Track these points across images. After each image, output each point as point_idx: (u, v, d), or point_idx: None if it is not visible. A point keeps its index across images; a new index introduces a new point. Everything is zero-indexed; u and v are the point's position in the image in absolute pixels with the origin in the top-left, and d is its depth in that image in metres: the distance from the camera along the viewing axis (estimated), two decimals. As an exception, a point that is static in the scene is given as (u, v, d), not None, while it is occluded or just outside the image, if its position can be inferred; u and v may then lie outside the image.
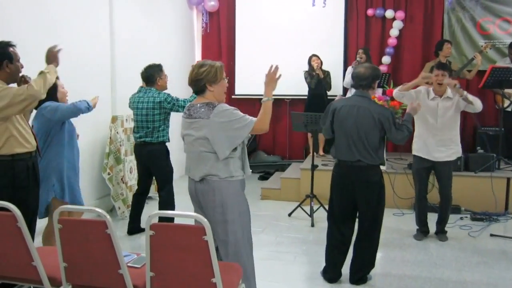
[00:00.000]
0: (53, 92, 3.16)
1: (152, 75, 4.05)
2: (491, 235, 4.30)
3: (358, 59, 6.06)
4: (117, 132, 4.79)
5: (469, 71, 6.08)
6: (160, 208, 4.09)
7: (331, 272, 3.29)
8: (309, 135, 6.19)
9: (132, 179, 5.00)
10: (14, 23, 3.71)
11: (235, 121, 2.47)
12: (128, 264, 2.30)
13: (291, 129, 6.08)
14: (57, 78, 3.20)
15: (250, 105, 6.59)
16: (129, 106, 4.20)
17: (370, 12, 7.05)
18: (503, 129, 5.36)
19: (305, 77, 6.35)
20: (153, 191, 5.36)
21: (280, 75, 2.58)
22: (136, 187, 4.45)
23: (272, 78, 2.57)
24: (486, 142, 6.07)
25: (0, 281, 2.43)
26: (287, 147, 7.50)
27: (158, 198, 4.26)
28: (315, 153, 5.06)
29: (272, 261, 3.70)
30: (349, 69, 6.27)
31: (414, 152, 4.15)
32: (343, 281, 3.28)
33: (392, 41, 6.99)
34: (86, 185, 4.37)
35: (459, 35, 6.80)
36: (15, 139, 2.76)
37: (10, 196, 2.63)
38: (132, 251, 2.97)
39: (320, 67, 6.33)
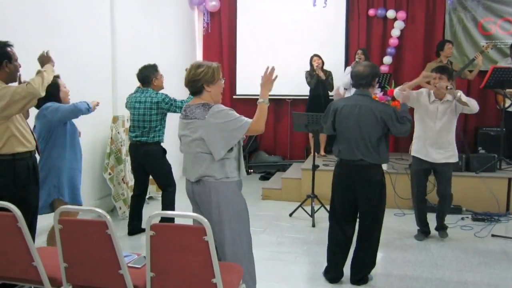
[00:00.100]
0: (55, 92, 3.17)
1: (147, 76, 4.05)
2: (493, 235, 4.29)
3: (357, 59, 6.06)
4: (118, 132, 4.79)
5: (470, 71, 6.07)
6: (162, 208, 4.10)
7: (332, 272, 3.29)
8: (310, 135, 6.19)
9: (133, 179, 5.00)
10: (16, 23, 3.71)
11: (230, 122, 2.47)
12: (129, 265, 2.30)
13: (292, 129, 6.07)
14: (58, 77, 3.20)
15: (251, 105, 6.53)
16: (126, 106, 4.21)
17: (371, 12, 7.04)
18: (504, 129, 5.35)
19: (306, 77, 6.35)
20: (154, 191, 5.37)
21: (276, 76, 2.58)
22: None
23: (268, 79, 2.58)
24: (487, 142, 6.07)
25: (0, 281, 2.43)
26: (288, 147, 7.49)
27: (159, 198, 4.26)
28: (316, 153, 5.05)
29: (273, 262, 3.70)
30: (348, 70, 6.26)
31: (413, 153, 4.15)
32: (344, 281, 3.28)
33: (393, 41, 6.98)
34: (87, 185, 4.38)
35: (460, 35, 6.79)
36: (16, 139, 2.77)
37: (11, 195, 2.64)
38: (133, 251, 2.97)
39: (322, 67, 6.33)
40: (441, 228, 4.21)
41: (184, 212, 2.29)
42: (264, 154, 7.46)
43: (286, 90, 6.82)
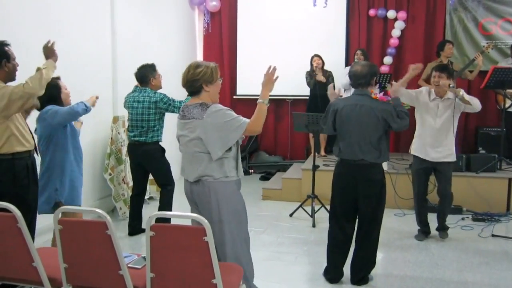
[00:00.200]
0: (56, 94, 3.16)
1: (145, 75, 4.05)
2: (493, 235, 4.29)
3: (356, 60, 6.06)
4: (119, 133, 4.79)
5: (471, 71, 6.07)
6: (159, 206, 4.13)
7: (332, 272, 3.29)
8: (311, 135, 6.19)
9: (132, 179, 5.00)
10: (16, 23, 3.72)
11: (228, 122, 2.47)
12: (129, 265, 2.30)
13: (292, 129, 6.07)
14: (59, 78, 3.20)
15: (251, 105, 6.50)
16: (124, 106, 4.21)
17: (372, 12, 7.04)
18: (504, 129, 5.35)
19: (306, 77, 6.36)
20: (154, 191, 5.37)
21: (277, 77, 2.57)
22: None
23: (269, 78, 2.57)
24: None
25: (0, 282, 2.43)
26: (289, 147, 7.49)
27: (158, 198, 4.26)
28: (316, 154, 5.06)
29: (273, 262, 3.70)
30: (347, 70, 6.26)
31: (412, 152, 4.16)
32: (345, 281, 3.28)
33: (393, 41, 6.98)
34: (87, 185, 4.37)
35: (461, 35, 6.78)
36: (16, 138, 2.78)
37: (10, 195, 2.64)
38: (133, 251, 2.97)
39: (322, 67, 6.33)
40: (442, 228, 4.21)
41: (183, 212, 2.29)
42: (265, 154, 7.46)
43: (287, 90, 6.82)
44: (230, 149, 2.52)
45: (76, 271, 2.20)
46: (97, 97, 3.39)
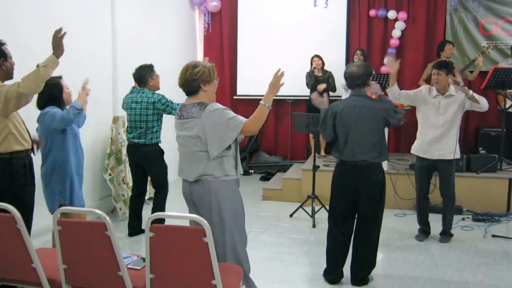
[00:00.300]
0: (58, 93, 3.15)
1: (143, 75, 4.04)
2: (493, 235, 4.28)
3: (356, 60, 6.06)
4: (118, 133, 4.79)
5: (471, 72, 6.08)
6: (153, 208, 4.14)
7: (332, 273, 3.29)
8: (311, 135, 6.19)
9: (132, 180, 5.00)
10: (16, 23, 3.71)
11: (225, 122, 2.47)
12: (128, 266, 2.29)
13: (293, 129, 6.07)
14: (61, 78, 3.19)
15: (251, 105, 6.52)
16: (123, 107, 4.21)
17: (372, 12, 7.03)
18: (505, 130, 5.34)
19: (306, 77, 6.36)
20: (153, 192, 5.36)
21: (283, 83, 2.57)
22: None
23: (277, 81, 2.55)
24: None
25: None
26: (289, 147, 7.49)
27: (153, 197, 4.27)
28: (316, 154, 5.06)
29: (273, 262, 3.70)
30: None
31: (412, 151, 4.16)
32: (345, 282, 3.27)
33: (394, 42, 6.97)
34: (87, 186, 4.37)
35: (461, 36, 6.78)
36: (14, 137, 2.78)
37: (8, 194, 2.64)
38: (133, 252, 2.97)
39: (322, 67, 6.33)
40: (445, 233, 4.17)
41: (182, 213, 2.28)
42: (265, 154, 7.46)
43: (287, 91, 6.71)
44: (229, 147, 2.52)
45: (75, 272, 2.19)
46: (86, 83, 3.22)
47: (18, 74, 2.87)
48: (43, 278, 2.24)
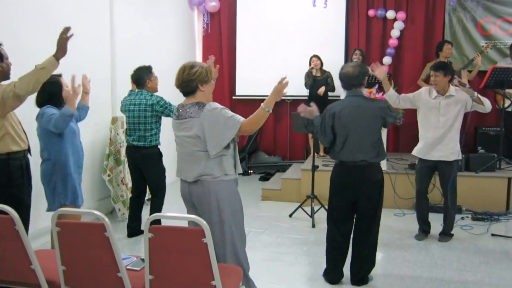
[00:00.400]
0: (57, 91, 3.13)
1: (141, 77, 4.03)
2: (493, 235, 4.28)
3: (355, 60, 6.06)
4: (117, 133, 4.78)
5: (470, 71, 6.07)
6: (151, 212, 4.10)
7: (332, 274, 3.29)
8: (310, 135, 6.19)
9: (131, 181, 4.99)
10: (15, 24, 3.70)
11: (223, 121, 2.48)
12: (127, 267, 2.29)
13: (292, 129, 6.06)
14: (61, 76, 3.17)
15: (251, 106, 6.55)
16: (121, 110, 4.20)
17: (371, 12, 7.04)
18: (503, 129, 5.35)
19: (304, 77, 6.36)
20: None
21: (286, 92, 2.58)
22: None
23: (280, 89, 2.55)
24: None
25: (-2, 285, 2.43)
26: (288, 147, 7.48)
27: (150, 202, 4.26)
28: (315, 154, 5.05)
29: (273, 262, 3.69)
30: None
31: (413, 153, 4.15)
32: (345, 282, 3.27)
33: (393, 41, 6.98)
34: (86, 187, 4.35)
35: (460, 35, 6.79)
36: (11, 137, 2.77)
37: (5, 195, 2.63)
38: (132, 253, 2.96)
39: (321, 68, 6.33)
40: (444, 233, 4.17)
41: (181, 214, 2.28)
42: (264, 154, 7.46)
43: (286, 91, 6.80)
44: (228, 146, 2.53)
45: (74, 274, 2.19)
46: (73, 80, 3.11)
47: (16, 75, 2.86)
48: (42, 280, 2.23)
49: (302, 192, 5.26)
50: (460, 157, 4.01)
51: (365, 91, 5.21)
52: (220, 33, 7.61)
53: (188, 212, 2.67)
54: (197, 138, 2.51)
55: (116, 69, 5.07)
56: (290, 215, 4.94)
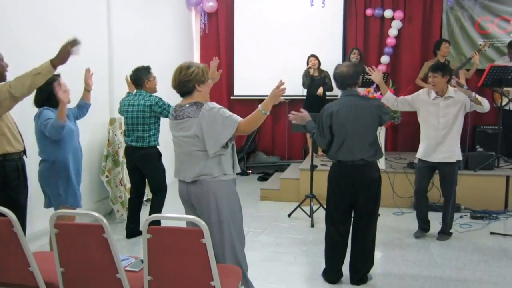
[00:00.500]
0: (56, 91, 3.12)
1: (140, 77, 4.02)
2: (491, 233, 4.29)
3: (354, 59, 6.07)
4: (115, 134, 4.77)
5: (468, 70, 6.09)
6: (150, 212, 4.09)
7: (331, 274, 3.29)
8: (308, 135, 6.18)
9: (130, 182, 4.97)
10: (12, 24, 3.69)
11: (220, 121, 2.48)
12: (126, 268, 2.29)
13: (290, 129, 6.06)
14: (59, 76, 3.15)
15: (249, 106, 6.58)
16: (119, 111, 4.19)
17: (368, 12, 7.04)
18: (501, 127, 5.36)
19: (302, 77, 6.36)
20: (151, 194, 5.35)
21: (282, 99, 2.58)
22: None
23: (278, 93, 2.54)
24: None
25: (-4, 287, 2.42)
26: (286, 147, 7.48)
27: (151, 200, 4.25)
28: (314, 154, 5.05)
29: (272, 262, 3.69)
30: None
31: (417, 156, 4.15)
32: (344, 281, 3.27)
33: (390, 41, 6.98)
34: (84, 188, 4.35)
35: (457, 34, 6.80)
36: (6, 138, 2.76)
37: (1, 197, 2.62)
38: (131, 254, 2.96)
39: (318, 67, 6.33)
40: (443, 232, 4.17)
41: (180, 214, 2.27)
42: (262, 154, 7.45)
43: (282, 98, 6.79)
44: (226, 145, 2.53)
45: (73, 275, 2.18)
46: (58, 85, 3.03)
47: (14, 75, 2.85)
48: (40, 282, 2.22)
49: (301, 192, 5.26)
50: (461, 158, 4.02)
51: (363, 90, 5.21)
52: (218, 33, 7.60)
53: (186, 213, 2.68)
54: (195, 138, 2.51)
55: (114, 70, 5.06)
56: (289, 215, 4.94)
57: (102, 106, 4.90)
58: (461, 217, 4.77)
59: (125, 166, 4.84)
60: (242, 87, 7.40)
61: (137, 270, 2.34)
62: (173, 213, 2.34)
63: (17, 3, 3.76)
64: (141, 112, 3.96)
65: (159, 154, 4.13)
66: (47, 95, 3.06)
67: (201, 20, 7.57)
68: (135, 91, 4.13)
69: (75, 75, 4.33)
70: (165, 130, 4.16)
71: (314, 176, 4.83)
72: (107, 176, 4.70)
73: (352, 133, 3.10)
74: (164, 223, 3.59)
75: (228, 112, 2.52)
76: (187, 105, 2.56)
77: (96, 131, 4.75)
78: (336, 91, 6.39)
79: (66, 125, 3.10)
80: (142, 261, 2.33)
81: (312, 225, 4.59)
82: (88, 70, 3.50)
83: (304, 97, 6.53)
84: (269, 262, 3.68)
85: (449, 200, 4.05)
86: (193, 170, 2.53)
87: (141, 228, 4.07)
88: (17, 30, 3.71)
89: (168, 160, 4.27)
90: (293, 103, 7.22)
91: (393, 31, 6.96)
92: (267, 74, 6.62)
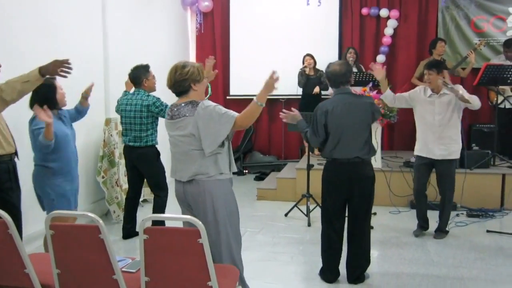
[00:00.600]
0: (52, 94, 3.08)
1: (138, 76, 3.99)
2: (488, 231, 4.30)
3: (351, 59, 6.07)
4: (111, 135, 4.75)
5: (463, 69, 6.11)
6: (153, 212, 4.07)
7: (329, 273, 3.28)
8: (305, 134, 6.17)
9: (127, 182, 4.96)
10: (7, 25, 3.66)
11: (217, 118, 2.47)
12: (123, 269, 2.28)
13: (286, 129, 6.06)
14: (55, 78, 3.12)
15: (245, 105, 6.52)
16: (116, 110, 4.16)
17: (364, 11, 7.05)
18: (497, 126, 5.38)
19: (298, 76, 6.37)
20: (148, 194, 5.33)
21: (276, 88, 2.57)
22: (130, 191, 4.41)
23: (271, 83, 2.54)
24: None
25: (-8, 289, 2.40)
26: (283, 147, 7.48)
27: (153, 201, 4.23)
28: (310, 153, 5.05)
29: (269, 262, 3.68)
30: None
31: (415, 153, 4.15)
32: (341, 281, 3.27)
33: (386, 40, 6.99)
34: (80, 189, 4.32)
35: (453, 33, 6.81)
36: None
37: None
38: (127, 255, 2.94)
39: (314, 66, 6.34)
40: (440, 230, 4.18)
41: (177, 215, 2.26)
42: (259, 154, 7.45)
43: (280, 90, 6.61)
44: (222, 144, 2.52)
45: (69, 277, 2.17)
46: (37, 109, 2.92)
47: (8, 74, 2.82)
48: (36, 284, 2.21)
49: (298, 191, 5.26)
50: (458, 156, 4.02)
51: (359, 89, 5.22)
52: (214, 33, 7.59)
53: (183, 213, 2.66)
54: (192, 137, 2.51)
55: (109, 70, 5.04)
56: (286, 215, 4.93)
57: (98, 107, 4.87)
58: (457, 215, 4.79)
59: (121, 166, 4.84)
60: (238, 87, 7.39)
61: (133, 271, 2.33)
62: (170, 213, 2.33)
63: (12, 2, 3.73)
64: (138, 112, 3.94)
65: (158, 154, 4.09)
66: (43, 98, 3.03)
67: (196, 19, 7.55)
68: (133, 89, 4.10)
69: (71, 75, 4.32)
70: (164, 130, 4.16)
71: (311, 176, 4.82)
72: (103, 177, 4.68)
73: (348, 131, 3.11)
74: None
75: (224, 109, 2.52)
76: (183, 104, 2.55)
77: (91, 132, 4.72)
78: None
79: (61, 129, 3.08)
80: (139, 262, 2.32)
81: (309, 225, 4.59)
82: (92, 85, 3.48)
83: (300, 97, 6.53)
84: (266, 262, 3.67)
85: (446, 198, 4.06)
86: (190, 169, 2.53)
87: (137, 229, 4.09)
88: (11, 32, 3.68)
89: (167, 160, 4.26)
90: (289, 102, 7.23)
91: (389, 30, 6.97)
92: (263, 73, 6.51)
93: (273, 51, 7.13)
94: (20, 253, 2.17)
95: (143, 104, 3.92)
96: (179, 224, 2.74)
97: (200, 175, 2.51)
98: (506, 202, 5.01)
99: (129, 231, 4.22)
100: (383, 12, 6.94)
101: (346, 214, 3.26)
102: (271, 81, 2.53)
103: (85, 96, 3.51)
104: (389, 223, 4.61)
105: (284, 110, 3.32)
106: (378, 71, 3.87)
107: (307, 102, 6.11)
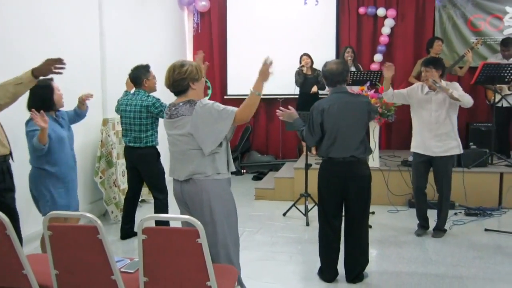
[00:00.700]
0: (49, 95, 3.07)
1: (138, 76, 3.97)
2: (486, 230, 4.31)
3: (349, 58, 6.07)
4: (109, 135, 4.73)
5: (461, 67, 6.12)
6: (155, 213, 4.04)
7: (327, 272, 3.28)
8: (303, 134, 6.18)
9: (125, 182, 4.93)
10: (4, 25, 3.65)
11: (217, 115, 2.47)
12: (121, 270, 2.27)
13: (284, 128, 6.05)
14: (52, 80, 3.11)
15: (242, 105, 6.56)
16: (116, 110, 4.14)
17: (361, 10, 7.06)
18: (494, 124, 5.39)
19: (295, 75, 6.37)
20: (146, 194, 5.32)
21: (272, 73, 2.56)
22: (129, 191, 4.40)
23: (266, 69, 2.53)
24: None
25: (-10, 290, 2.39)
26: (280, 146, 7.48)
27: (151, 201, 4.21)
28: (308, 152, 5.05)
29: (268, 262, 3.68)
30: None
31: (412, 149, 4.16)
32: (340, 280, 3.27)
33: (383, 39, 7.00)
34: (78, 189, 4.32)
35: (450, 32, 6.84)
36: None
37: None
38: (126, 255, 2.94)
39: (311, 66, 6.34)
40: (438, 229, 4.18)
41: (175, 215, 2.26)
42: (257, 154, 7.44)
43: (278, 89, 6.80)
44: (220, 143, 2.51)
45: (67, 278, 2.16)
46: (90, 96, 3.16)
47: (5, 74, 2.80)
48: (34, 285, 2.20)
49: (296, 191, 5.26)
50: (456, 153, 4.03)
51: (357, 89, 5.22)
52: (211, 33, 7.58)
53: (181, 213, 2.66)
54: (189, 136, 2.50)
55: (106, 70, 5.02)
56: (284, 214, 4.93)
57: (95, 107, 4.84)
58: (455, 214, 4.80)
59: (118, 167, 4.82)
60: (235, 86, 7.38)
61: (132, 271, 2.32)
62: (169, 213, 2.33)
63: (7, 4, 3.71)
64: (137, 113, 3.91)
65: (158, 154, 4.07)
66: (40, 99, 3.01)
67: (193, 19, 7.55)
68: (133, 89, 4.09)
69: (68, 76, 4.30)
70: (164, 129, 4.14)
71: (309, 175, 4.82)
72: (100, 177, 4.67)
73: (345, 130, 3.11)
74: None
75: (222, 106, 2.51)
76: (181, 104, 2.54)
77: (89, 132, 4.70)
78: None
79: (56, 132, 3.06)
80: (137, 262, 2.31)
81: (307, 224, 4.59)
82: (91, 96, 3.47)
83: (297, 96, 6.53)
84: (264, 262, 3.67)
85: (443, 196, 4.06)
86: (187, 168, 2.52)
87: (136, 229, 4.08)
88: (8, 32, 3.66)
89: (166, 160, 4.25)
90: (286, 102, 7.22)
91: (386, 29, 6.98)
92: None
93: (270, 50, 6.98)
94: (18, 254, 2.16)
95: (143, 105, 3.90)
96: (178, 224, 2.73)
97: (197, 174, 2.51)
98: (504, 200, 5.02)
99: (127, 232, 4.21)
100: (380, 11, 6.95)
101: (344, 213, 3.26)
102: (265, 67, 2.53)
103: (81, 101, 3.48)
104: (388, 222, 4.61)
105: (281, 108, 3.31)
106: (390, 69, 3.90)
107: (305, 101, 6.10)
